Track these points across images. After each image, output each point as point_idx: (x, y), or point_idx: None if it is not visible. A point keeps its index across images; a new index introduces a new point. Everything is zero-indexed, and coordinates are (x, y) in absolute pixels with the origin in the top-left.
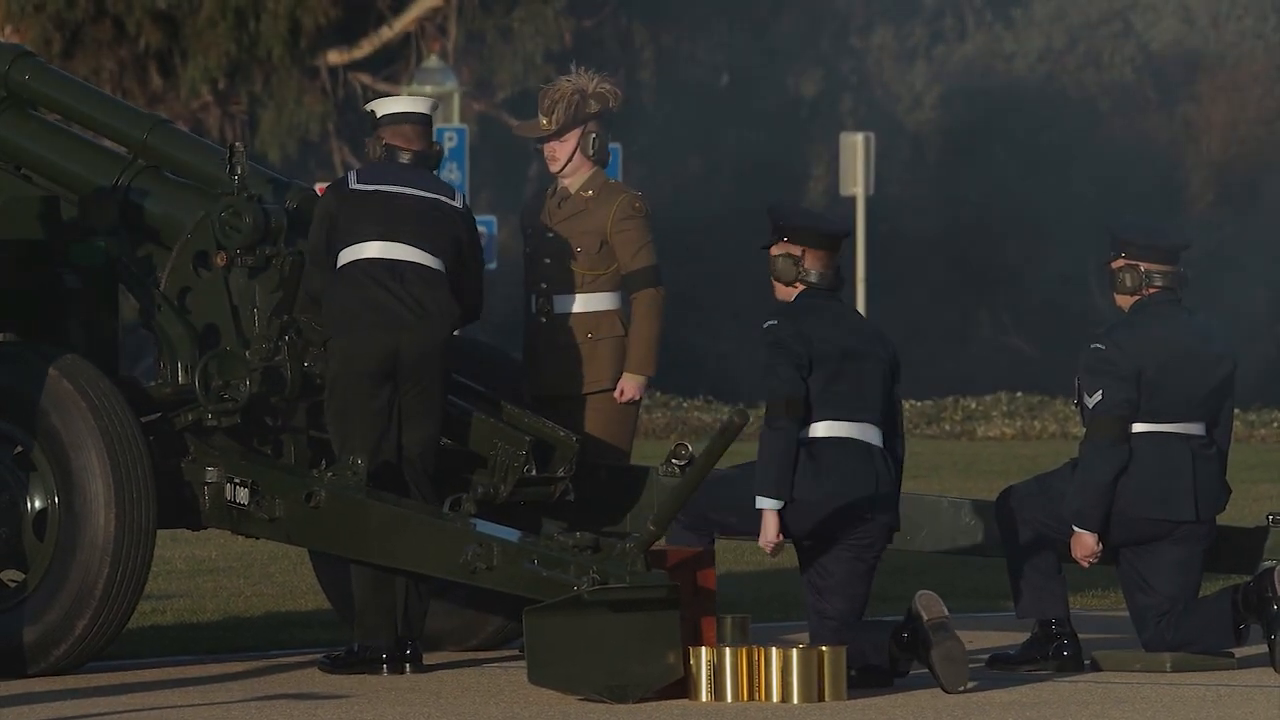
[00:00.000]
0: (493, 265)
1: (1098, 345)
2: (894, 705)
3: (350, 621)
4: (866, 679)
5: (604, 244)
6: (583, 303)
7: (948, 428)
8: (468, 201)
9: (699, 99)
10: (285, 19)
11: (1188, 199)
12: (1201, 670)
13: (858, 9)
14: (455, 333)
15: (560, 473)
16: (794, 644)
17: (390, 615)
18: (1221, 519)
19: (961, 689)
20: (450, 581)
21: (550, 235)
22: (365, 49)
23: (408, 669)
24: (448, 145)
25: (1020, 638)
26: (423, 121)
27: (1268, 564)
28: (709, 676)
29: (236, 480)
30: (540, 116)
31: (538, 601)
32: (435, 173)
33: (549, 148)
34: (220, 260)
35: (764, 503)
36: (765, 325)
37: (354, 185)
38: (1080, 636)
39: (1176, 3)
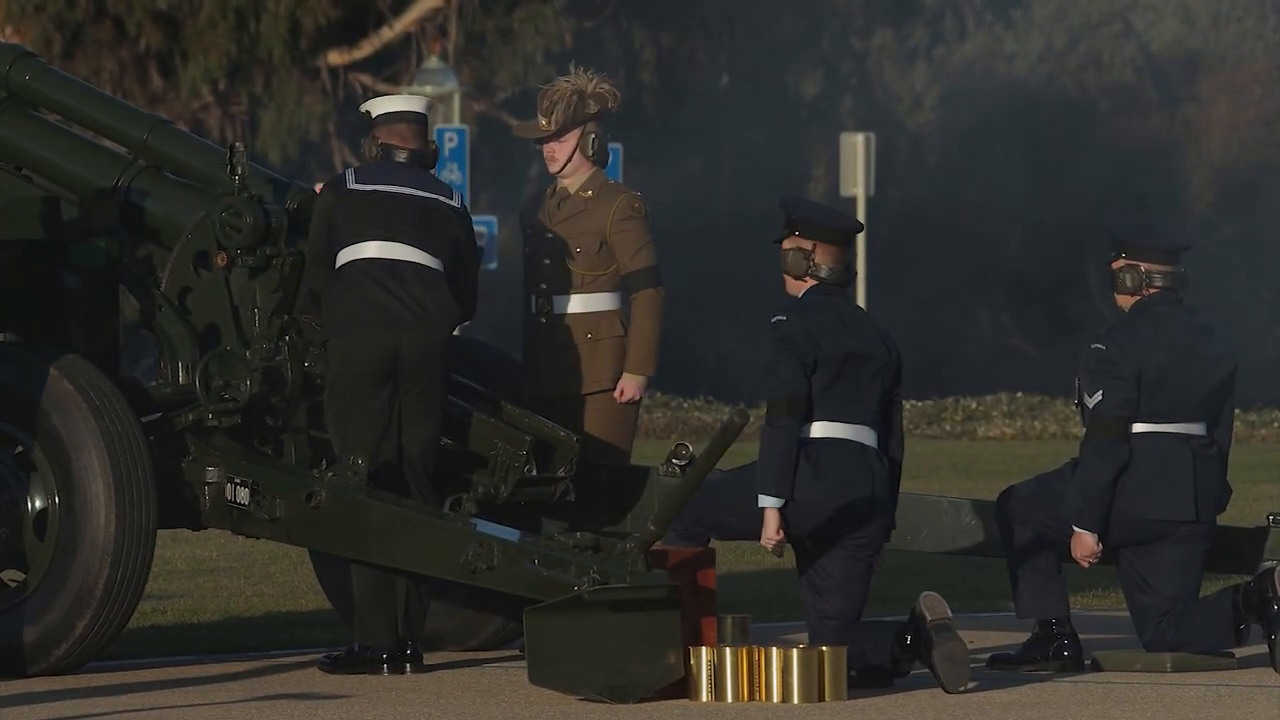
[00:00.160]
0: (493, 265)
1: (1098, 345)
2: (894, 705)
3: (351, 622)
4: (867, 679)
5: (603, 244)
6: (582, 303)
7: (948, 428)
8: (465, 201)
9: (699, 100)
10: (286, 19)
11: (1188, 199)
12: (1202, 670)
13: (858, 10)
14: (455, 332)
15: (561, 473)
16: (794, 644)
17: (391, 615)
18: (1222, 519)
19: (962, 689)
20: (450, 581)
21: (550, 236)
22: (366, 49)
23: (408, 669)
24: (448, 146)
25: (1021, 638)
26: (418, 120)
27: (1268, 564)
28: (709, 676)
29: (237, 480)
30: (539, 117)
31: (538, 601)
32: (432, 172)
33: (548, 148)
34: (221, 260)
35: (765, 501)
36: (773, 320)
37: (352, 185)
38: (1081, 637)
39: (1177, 3)
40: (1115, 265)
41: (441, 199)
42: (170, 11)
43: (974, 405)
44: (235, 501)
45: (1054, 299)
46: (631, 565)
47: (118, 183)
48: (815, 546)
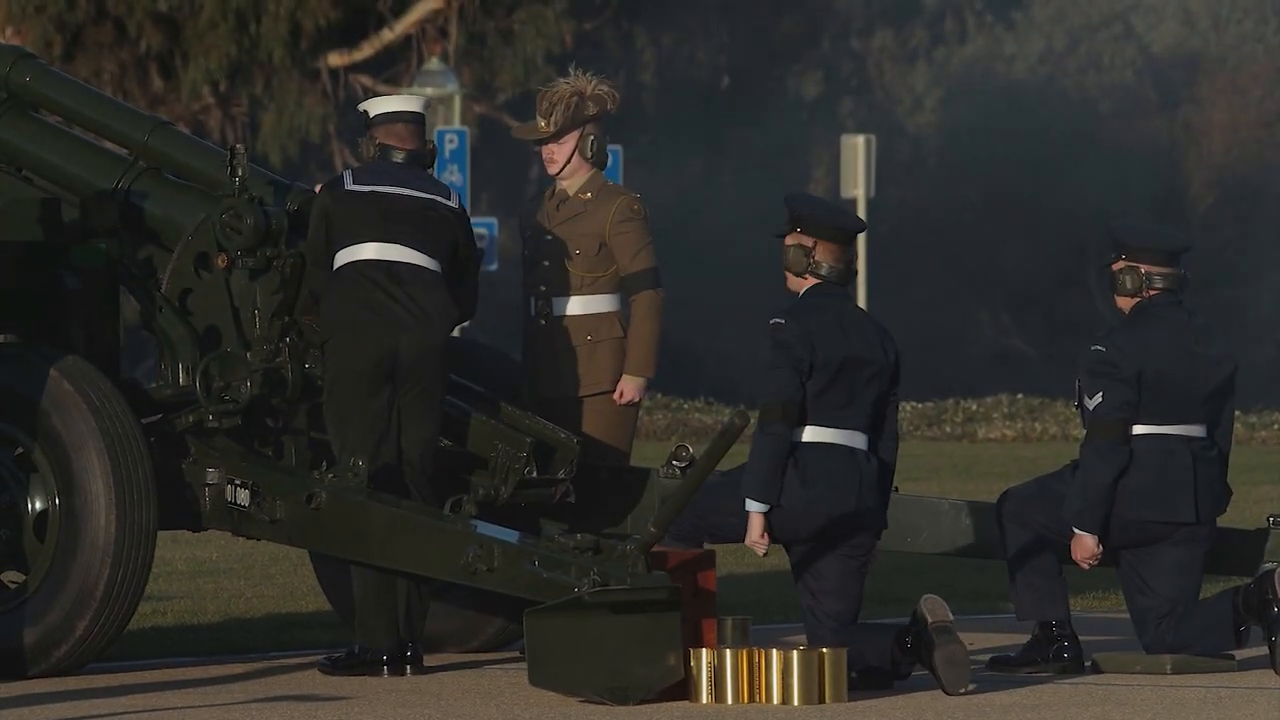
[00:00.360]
0: (493, 267)
1: (1098, 347)
2: (894, 707)
3: (351, 623)
4: (867, 681)
5: (603, 246)
6: (582, 305)
7: (948, 429)
8: (464, 202)
9: (700, 101)
10: (286, 21)
11: (1188, 201)
12: (1202, 672)
13: (858, 11)
14: (455, 333)
15: (561, 474)
16: (794, 646)
17: (391, 617)
18: (1222, 521)
19: (963, 691)
20: (451, 583)
21: (549, 237)
22: (366, 51)
23: (408, 671)
24: (449, 147)
25: (1020, 640)
26: (416, 120)
27: (1268, 566)
28: (710, 678)
29: (237, 482)
30: (538, 119)
31: (538, 603)
32: (430, 172)
33: (547, 150)
34: (221, 262)
35: (751, 505)
36: (772, 322)
37: (349, 187)
38: (1081, 638)
39: (1177, 5)
40: (1115, 267)
41: (439, 199)
42: (171, 13)
43: (974, 407)
44: (235, 503)
45: (1054, 300)
46: (632, 567)
47: (118, 184)
48: (807, 549)
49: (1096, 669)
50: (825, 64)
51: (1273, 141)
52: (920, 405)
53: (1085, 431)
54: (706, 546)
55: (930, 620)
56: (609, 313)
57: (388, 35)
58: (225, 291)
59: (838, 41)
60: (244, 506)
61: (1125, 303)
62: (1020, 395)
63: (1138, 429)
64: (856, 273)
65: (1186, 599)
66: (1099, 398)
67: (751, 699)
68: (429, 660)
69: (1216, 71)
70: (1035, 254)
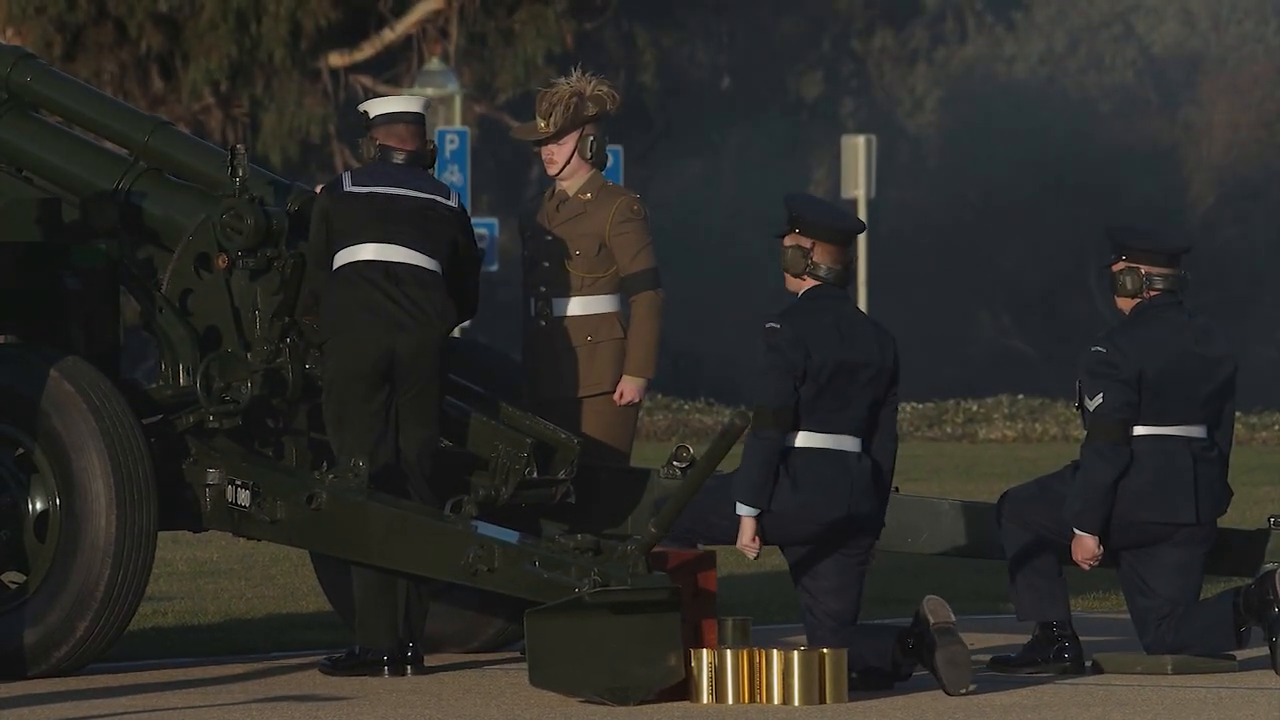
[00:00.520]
0: (494, 267)
1: (1098, 348)
2: (895, 708)
3: (351, 624)
4: (867, 681)
5: (602, 247)
6: (582, 305)
7: (949, 430)
8: (464, 202)
9: (700, 102)
10: (286, 21)
11: (1189, 201)
12: (1203, 673)
13: (858, 11)
14: (456, 333)
15: (561, 475)
16: (795, 646)
17: (391, 617)
18: (1222, 521)
19: (963, 692)
20: (451, 583)
21: (549, 238)
22: (366, 51)
23: (409, 671)
24: (449, 148)
25: (1021, 640)
26: (416, 121)
27: (1269, 567)
28: (710, 679)
29: (238, 482)
30: (538, 119)
31: (539, 604)
32: (430, 172)
33: (547, 150)
34: (222, 262)
35: (742, 509)
36: (766, 325)
37: (348, 188)
38: (1081, 639)
39: (1178, 5)
40: (1115, 268)
41: (439, 199)
42: (171, 14)
43: (975, 408)
44: (236, 503)
45: (1055, 301)
46: (632, 567)
47: (118, 184)
48: (805, 551)
49: (1097, 669)
50: (825, 64)
51: (1273, 141)
52: (921, 406)
53: (1086, 432)
54: (701, 547)
55: (933, 621)
56: (609, 313)
57: (388, 35)
58: (226, 292)
59: (838, 42)
60: (244, 507)
61: (1125, 304)
62: (1021, 396)
63: (1138, 430)
64: (855, 274)
65: (1187, 600)
66: (1099, 399)
67: (752, 699)
68: (429, 661)
69: (1217, 72)
70: (1035, 254)
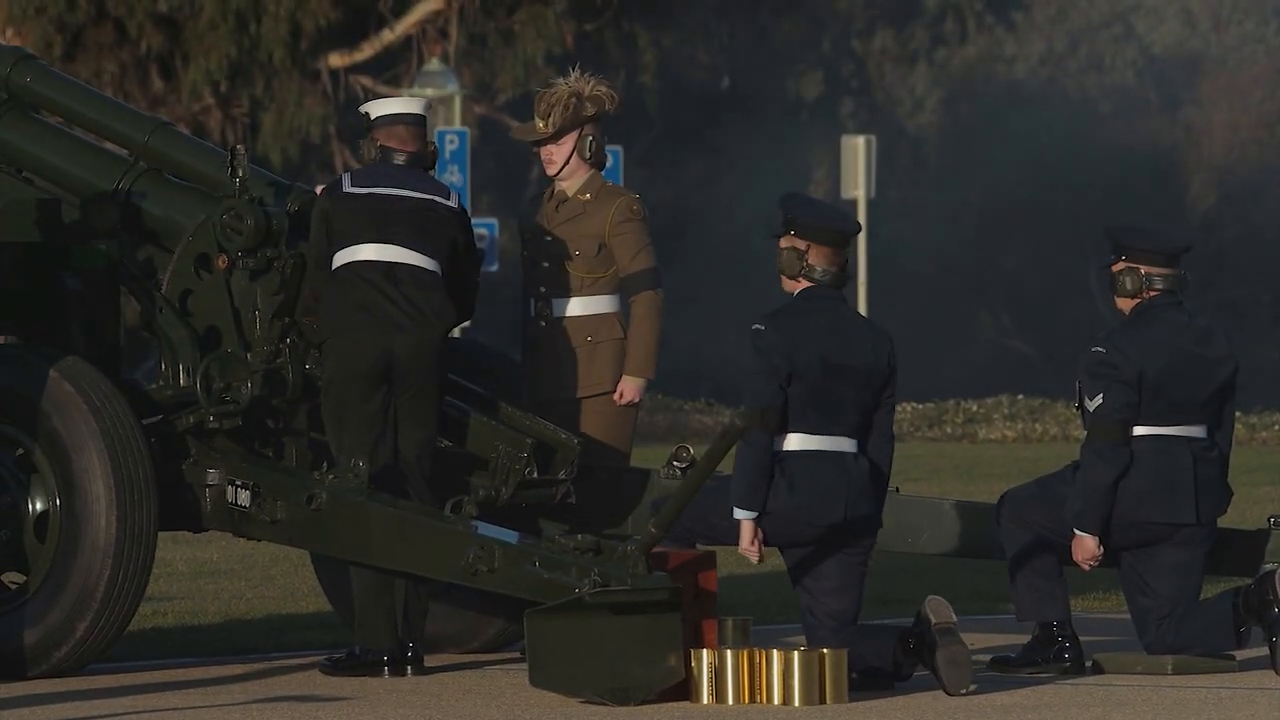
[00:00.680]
0: (494, 267)
1: (1098, 348)
2: (895, 708)
3: (351, 624)
4: (868, 682)
5: (602, 247)
6: (581, 306)
7: (949, 430)
8: (464, 202)
9: (700, 101)
10: (286, 22)
11: (1189, 202)
12: (1203, 673)
13: (859, 12)
14: (456, 333)
15: (561, 475)
16: (795, 646)
17: (391, 618)
18: (1223, 522)
19: (964, 692)
20: (451, 584)
21: (548, 238)
22: (366, 52)
23: (409, 671)
24: (449, 148)
25: (1021, 640)
26: (417, 122)
27: (1269, 567)
28: (710, 679)
29: (238, 482)
30: (537, 119)
31: (539, 604)
32: (431, 172)
33: (546, 151)
34: (222, 263)
35: (739, 513)
36: (754, 327)
37: (348, 188)
38: (1081, 639)
39: (1178, 6)
40: (1115, 268)
41: (438, 199)
42: (171, 14)
43: (975, 408)
44: (236, 504)
45: (1054, 301)
46: (632, 568)
47: (118, 185)
48: (805, 552)
49: (1097, 669)
50: (825, 65)
51: (1273, 142)
52: (921, 406)
53: (1086, 433)
54: (700, 548)
55: (934, 621)
56: (609, 313)
57: (388, 36)
58: (226, 292)
59: (838, 42)
60: (244, 507)
61: (1125, 304)
62: (1021, 396)
63: (1138, 430)
64: (850, 275)
65: (1187, 600)
66: (1100, 399)
67: (752, 699)
68: (429, 661)
69: (1217, 72)
70: (1035, 255)
